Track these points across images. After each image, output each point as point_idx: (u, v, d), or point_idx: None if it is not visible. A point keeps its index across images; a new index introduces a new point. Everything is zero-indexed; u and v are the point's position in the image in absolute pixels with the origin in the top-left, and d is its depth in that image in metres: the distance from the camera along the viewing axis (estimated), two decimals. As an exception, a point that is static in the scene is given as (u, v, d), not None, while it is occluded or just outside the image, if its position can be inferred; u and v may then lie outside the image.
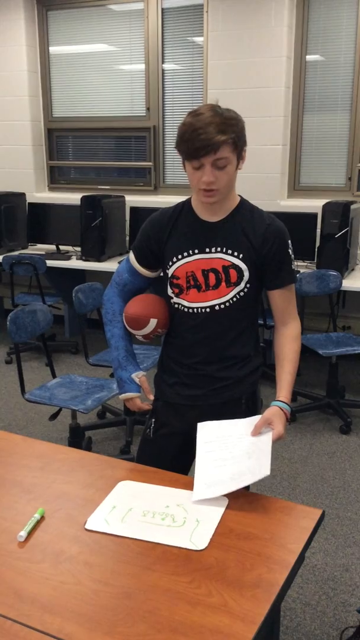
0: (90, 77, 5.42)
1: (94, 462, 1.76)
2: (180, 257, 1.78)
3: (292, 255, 1.80)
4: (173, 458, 1.89)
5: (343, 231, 4.02)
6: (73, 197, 5.22)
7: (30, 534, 1.43)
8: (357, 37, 4.45)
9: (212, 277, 1.75)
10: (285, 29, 4.50)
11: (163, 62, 5.09)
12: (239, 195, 1.80)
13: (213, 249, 1.75)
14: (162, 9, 4.98)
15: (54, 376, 3.24)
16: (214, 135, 1.57)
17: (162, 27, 5.01)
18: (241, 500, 1.56)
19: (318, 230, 4.27)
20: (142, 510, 1.52)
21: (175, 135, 1.65)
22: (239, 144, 1.65)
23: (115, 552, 1.37)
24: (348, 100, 4.59)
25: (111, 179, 5.57)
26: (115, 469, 1.72)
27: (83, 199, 4.76)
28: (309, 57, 4.65)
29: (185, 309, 1.80)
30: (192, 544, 1.39)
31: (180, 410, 1.89)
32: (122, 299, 1.91)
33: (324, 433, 3.71)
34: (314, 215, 4.36)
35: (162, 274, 1.88)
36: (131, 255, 1.90)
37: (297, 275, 3.88)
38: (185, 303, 1.79)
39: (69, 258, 4.93)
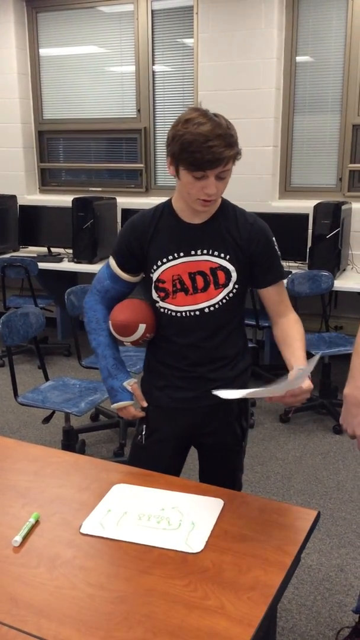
0: (80, 79, 5.41)
1: (88, 466, 1.76)
2: (165, 260, 1.75)
3: (279, 252, 1.79)
4: (167, 462, 1.88)
5: (334, 232, 4.03)
6: (64, 199, 5.21)
7: (25, 538, 1.42)
8: (347, 38, 4.47)
9: (199, 280, 1.74)
10: (275, 30, 4.51)
11: (153, 63, 5.09)
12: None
13: (199, 251, 1.73)
14: (152, 11, 4.98)
15: (46, 379, 3.23)
16: (224, 149, 1.55)
17: (152, 28, 5.01)
18: (236, 502, 1.56)
19: (309, 231, 4.29)
20: (137, 513, 1.51)
21: (166, 137, 1.63)
22: (238, 155, 1.64)
23: (111, 556, 1.36)
24: (338, 101, 4.61)
25: (102, 181, 5.57)
26: (109, 472, 1.71)
27: (74, 201, 4.75)
28: (299, 59, 4.67)
29: (173, 313, 1.77)
30: (188, 546, 1.38)
31: (172, 414, 1.87)
32: (105, 306, 1.87)
33: (317, 433, 3.71)
34: (306, 216, 4.37)
35: (144, 278, 1.84)
36: (111, 261, 1.85)
37: (289, 276, 3.91)
38: (172, 307, 1.77)
39: (60, 260, 4.91)
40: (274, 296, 1.80)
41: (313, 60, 4.64)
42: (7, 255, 5.05)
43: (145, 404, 1.88)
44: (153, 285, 1.78)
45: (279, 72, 4.65)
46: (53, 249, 5.23)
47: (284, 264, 4.53)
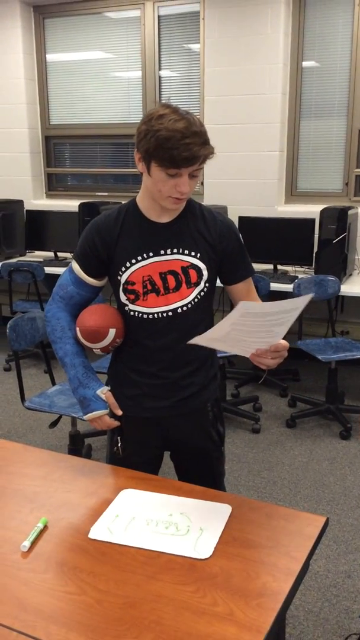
0: (87, 85, 5.43)
1: (96, 470, 1.76)
2: (134, 261, 1.70)
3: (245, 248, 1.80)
4: (145, 469, 1.81)
5: (341, 237, 4.03)
6: (71, 204, 5.22)
7: (33, 543, 1.43)
8: (353, 43, 4.47)
9: (171, 280, 1.70)
10: (281, 35, 4.52)
11: (160, 69, 5.11)
12: None
13: (168, 251, 1.70)
14: (159, 17, 4.99)
15: (53, 383, 3.24)
16: (200, 147, 1.53)
17: (159, 34, 5.03)
18: (244, 508, 1.55)
19: (316, 236, 4.28)
20: (145, 519, 1.51)
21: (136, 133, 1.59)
22: (211, 155, 1.61)
23: (120, 561, 1.36)
24: (344, 106, 4.61)
25: (108, 186, 5.58)
26: (117, 477, 1.71)
27: (81, 205, 4.77)
28: (305, 64, 4.67)
29: (145, 316, 1.72)
30: (197, 552, 1.38)
31: (145, 423, 1.83)
32: (69, 314, 1.80)
33: (324, 439, 3.70)
34: (312, 221, 4.37)
35: (109, 281, 1.80)
36: (75, 265, 1.78)
37: (296, 280, 3.90)
38: (144, 309, 1.72)
39: (67, 265, 4.91)
40: (243, 291, 1.81)
41: (319, 66, 4.65)
42: (14, 260, 5.06)
43: (120, 413, 1.82)
44: (121, 287, 1.73)
45: (285, 77, 4.65)
46: (59, 254, 5.24)
47: (291, 268, 4.54)
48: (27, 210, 5.33)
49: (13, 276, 4.74)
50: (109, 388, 1.83)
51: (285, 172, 4.87)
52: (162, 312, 1.72)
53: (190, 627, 1.17)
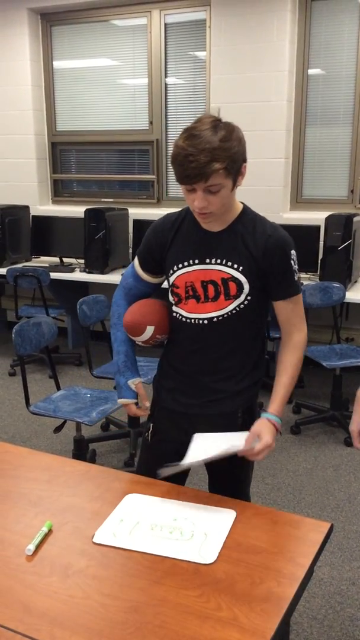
0: (93, 92, 5.46)
1: (100, 475, 1.76)
2: (180, 266, 1.76)
3: (296, 267, 1.76)
4: (172, 462, 1.84)
5: (346, 243, 4.03)
6: (77, 210, 5.24)
7: (38, 547, 1.43)
8: (359, 51, 4.49)
9: (211, 289, 1.73)
10: (287, 43, 4.54)
11: (166, 76, 5.13)
12: (242, 203, 1.77)
13: (213, 260, 1.72)
14: (165, 24, 5.02)
15: (58, 388, 3.24)
16: (206, 164, 1.51)
17: (165, 42, 5.06)
18: (249, 513, 1.55)
19: (321, 243, 4.29)
20: (149, 523, 1.51)
21: None
22: (233, 169, 1.58)
23: (124, 565, 1.36)
24: (350, 113, 4.62)
25: (114, 192, 5.60)
26: (122, 481, 1.72)
27: (87, 211, 4.79)
28: (310, 71, 4.69)
29: (184, 319, 1.78)
30: (201, 557, 1.38)
31: (176, 417, 1.87)
32: (127, 302, 1.90)
33: (328, 445, 3.69)
34: (317, 228, 4.38)
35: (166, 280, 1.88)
36: (136, 261, 1.89)
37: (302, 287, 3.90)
38: (183, 312, 1.77)
39: (72, 270, 4.94)
40: (283, 311, 1.78)
41: (325, 73, 4.66)
42: (20, 265, 5.09)
43: (147, 404, 1.90)
44: (170, 288, 1.80)
45: (290, 85, 4.67)
46: (65, 259, 5.27)
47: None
48: (33, 216, 5.36)
49: (18, 281, 4.76)
50: (140, 379, 1.90)
51: (290, 179, 4.88)
52: (198, 319, 1.76)
53: (194, 632, 1.17)
